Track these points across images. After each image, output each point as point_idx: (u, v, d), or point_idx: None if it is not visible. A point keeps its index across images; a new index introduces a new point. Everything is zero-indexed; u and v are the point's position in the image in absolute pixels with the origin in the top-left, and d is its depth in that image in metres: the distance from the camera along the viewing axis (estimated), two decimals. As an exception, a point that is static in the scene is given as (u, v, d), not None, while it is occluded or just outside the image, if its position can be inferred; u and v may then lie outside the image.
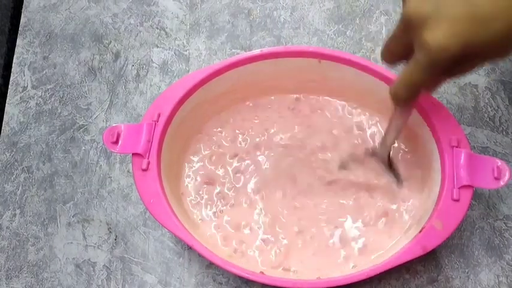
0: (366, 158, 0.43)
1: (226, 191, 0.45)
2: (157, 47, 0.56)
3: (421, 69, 0.31)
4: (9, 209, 0.48)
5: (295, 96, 0.49)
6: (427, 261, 0.44)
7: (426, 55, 0.30)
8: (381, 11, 0.55)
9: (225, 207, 0.44)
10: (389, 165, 0.42)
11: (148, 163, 0.40)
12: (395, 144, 0.44)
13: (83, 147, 0.51)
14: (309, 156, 0.46)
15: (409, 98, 0.34)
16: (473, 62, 0.32)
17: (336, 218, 0.43)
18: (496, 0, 0.28)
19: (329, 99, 0.48)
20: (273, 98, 0.49)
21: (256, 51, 0.45)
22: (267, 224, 0.43)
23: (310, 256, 0.42)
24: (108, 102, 0.53)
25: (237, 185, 0.45)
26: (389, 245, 0.41)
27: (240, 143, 0.47)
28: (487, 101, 0.51)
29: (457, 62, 0.30)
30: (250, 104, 0.49)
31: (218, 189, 0.45)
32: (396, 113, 0.38)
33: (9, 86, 0.55)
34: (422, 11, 0.29)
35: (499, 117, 0.50)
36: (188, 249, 0.45)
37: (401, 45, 0.33)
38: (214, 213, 0.44)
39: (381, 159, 0.42)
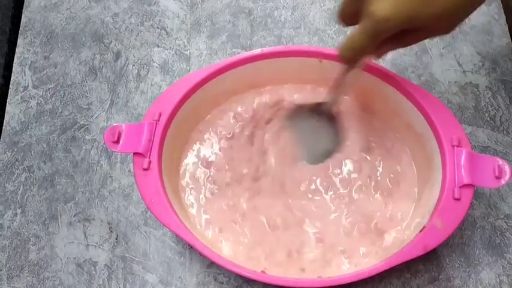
0: (312, 112, 0.44)
1: (229, 190, 0.45)
2: (158, 46, 0.56)
3: (365, 35, 0.34)
4: (11, 209, 0.48)
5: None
6: (428, 260, 0.44)
7: (371, 23, 0.33)
8: (381, 11, 0.55)
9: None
10: (333, 121, 0.44)
11: (150, 162, 0.40)
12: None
13: (84, 147, 0.51)
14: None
15: (352, 59, 0.37)
16: (417, 34, 0.35)
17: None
18: None
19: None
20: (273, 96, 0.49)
21: (257, 51, 0.45)
22: (267, 225, 0.43)
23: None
24: (109, 102, 0.53)
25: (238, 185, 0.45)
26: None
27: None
28: (487, 100, 0.51)
29: (400, 33, 0.33)
30: (251, 104, 0.49)
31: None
32: (342, 69, 0.40)
33: (10, 86, 0.55)
34: None
35: (500, 116, 0.50)
36: (189, 249, 0.45)
37: (353, 10, 0.36)
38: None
39: (326, 114, 0.44)
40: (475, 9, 0.34)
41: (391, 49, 0.39)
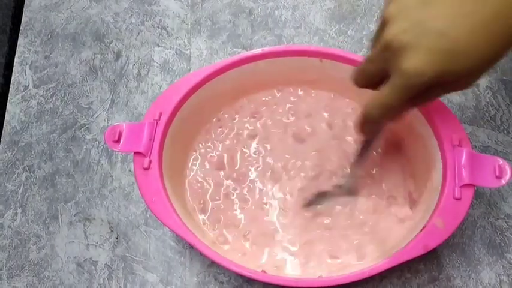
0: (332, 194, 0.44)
1: (230, 190, 0.45)
2: (159, 46, 0.56)
3: (397, 92, 0.32)
4: (11, 208, 0.48)
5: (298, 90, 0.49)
6: (428, 260, 0.44)
7: (403, 79, 0.31)
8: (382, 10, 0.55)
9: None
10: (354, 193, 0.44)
11: (150, 162, 0.40)
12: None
13: (84, 146, 0.51)
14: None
15: (380, 120, 0.35)
16: (439, 91, 0.34)
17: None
18: (470, 39, 0.30)
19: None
20: (275, 96, 0.49)
21: (257, 51, 0.45)
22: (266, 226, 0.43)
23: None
24: (110, 102, 0.53)
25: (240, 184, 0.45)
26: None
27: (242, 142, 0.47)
28: (488, 100, 0.51)
29: (427, 89, 0.32)
30: (251, 103, 0.49)
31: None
32: (362, 143, 0.40)
33: (11, 85, 0.55)
34: (404, 39, 0.31)
35: (500, 116, 0.50)
36: (190, 248, 0.45)
37: (376, 70, 0.34)
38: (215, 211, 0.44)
39: (346, 192, 0.43)
40: (498, 61, 0.33)
41: (408, 109, 0.36)
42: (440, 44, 0.30)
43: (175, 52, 0.55)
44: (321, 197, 0.44)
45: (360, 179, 0.43)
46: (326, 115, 0.48)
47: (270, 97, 0.49)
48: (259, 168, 0.46)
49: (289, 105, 0.48)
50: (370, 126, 0.37)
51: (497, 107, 0.50)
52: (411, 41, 0.31)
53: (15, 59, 0.56)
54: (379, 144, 0.41)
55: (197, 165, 0.46)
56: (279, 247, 0.42)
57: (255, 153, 0.47)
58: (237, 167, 0.46)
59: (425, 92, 0.32)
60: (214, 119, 0.48)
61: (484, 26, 0.30)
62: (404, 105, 0.34)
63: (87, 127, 0.52)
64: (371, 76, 0.35)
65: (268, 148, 0.47)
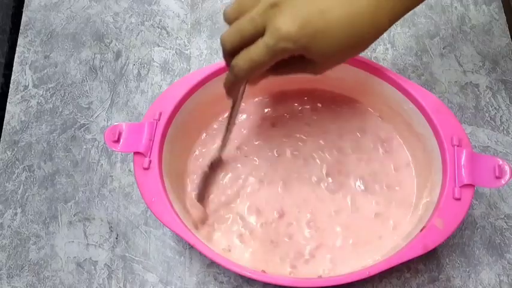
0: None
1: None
2: (159, 46, 0.56)
3: (266, 50, 0.35)
4: (11, 208, 0.48)
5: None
6: (428, 260, 0.44)
7: (274, 39, 0.34)
8: (382, 10, 0.55)
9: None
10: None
11: (150, 162, 0.40)
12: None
13: (84, 146, 0.51)
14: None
15: (246, 75, 0.37)
16: (298, 65, 0.37)
17: None
18: (340, 26, 0.34)
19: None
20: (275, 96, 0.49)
21: (258, 50, 0.45)
22: (266, 224, 0.43)
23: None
24: (109, 101, 0.53)
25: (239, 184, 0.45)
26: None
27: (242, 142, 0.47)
28: (488, 100, 0.51)
29: (290, 59, 0.35)
30: (252, 103, 0.49)
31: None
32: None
33: (11, 85, 0.55)
34: (292, 4, 0.34)
35: (500, 116, 0.50)
36: (189, 248, 0.45)
37: (253, 29, 0.35)
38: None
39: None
40: (354, 55, 0.38)
41: (267, 76, 0.39)
42: (315, 20, 0.34)
43: (175, 52, 0.55)
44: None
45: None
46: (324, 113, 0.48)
47: (270, 97, 0.49)
48: (260, 168, 0.46)
49: (291, 104, 0.49)
50: (237, 84, 0.39)
51: (497, 107, 0.50)
52: (295, 8, 0.34)
53: (15, 59, 0.56)
54: (239, 107, 0.42)
55: (200, 164, 0.46)
56: (278, 242, 0.42)
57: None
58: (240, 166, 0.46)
59: (287, 61, 0.36)
60: (214, 119, 0.48)
61: (356, 18, 0.34)
62: (268, 67, 0.36)
63: (87, 127, 0.52)
64: (245, 37, 0.36)
65: (270, 147, 0.47)
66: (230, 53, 0.37)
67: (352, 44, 0.35)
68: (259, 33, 0.35)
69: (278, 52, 0.35)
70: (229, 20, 0.37)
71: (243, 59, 0.36)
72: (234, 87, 0.39)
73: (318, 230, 0.43)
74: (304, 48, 0.34)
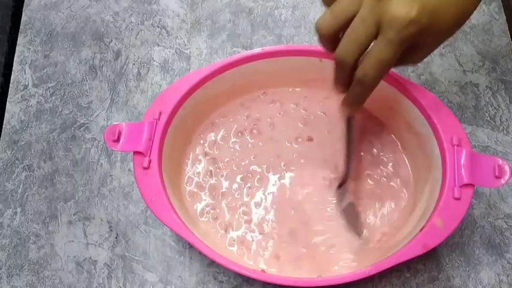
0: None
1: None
2: (158, 45, 0.56)
3: (391, 44, 0.33)
4: (10, 207, 0.48)
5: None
6: (427, 259, 0.44)
7: (395, 29, 0.32)
8: (381, 10, 0.55)
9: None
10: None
11: (150, 161, 0.40)
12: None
13: (84, 146, 0.51)
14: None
15: (377, 80, 0.35)
16: (420, 49, 0.35)
17: None
18: (449, 2, 0.33)
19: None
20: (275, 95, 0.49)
21: (257, 50, 0.45)
22: (266, 224, 0.43)
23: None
24: (109, 101, 0.53)
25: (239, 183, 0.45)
26: None
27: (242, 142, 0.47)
28: (487, 100, 0.51)
29: (411, 45, 0.34)
30: (252, 103, 0.49)
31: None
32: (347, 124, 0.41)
33: (10, 85, 0.55)
34: None
35: (500, 116, 0.50)
36: (189, 248, 0.45)
37: (367, 30, 0.34)
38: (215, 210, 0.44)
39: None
40: (461, 26, 0.36)
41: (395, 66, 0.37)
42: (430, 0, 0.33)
43: (175, 51, 0.55)
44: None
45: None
46: (323, 114, 0.48)
47: (270, 97, 0.49)
48: (259, 168, 0.46)
49: (291, 104, 0.49)
50: (367, 96, 0.37)
51: (497, 106, 0.50)
52: None
53: (15, 58, 0.56)
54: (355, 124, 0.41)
55: (199, 164, 0.46)
56: (279, 243, 0.42)
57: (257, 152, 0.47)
58: (239, 166, 0.46)
59: (410, 48, 0.34)
60: (214, 118, 0.48)
61: None
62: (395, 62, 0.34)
63: (87, 126, 0.52)
64: (360, 41, 0.34)
65: (270, 147, 0.47)
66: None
67: (461, 16, 0.35)
68: (374, 35, 0.33)
69: (403, 41, 0.33)
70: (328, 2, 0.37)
71: (369, 66, 0.34)
72: (363, 101, 0.37)
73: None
74: (426, 28, 0.33)
